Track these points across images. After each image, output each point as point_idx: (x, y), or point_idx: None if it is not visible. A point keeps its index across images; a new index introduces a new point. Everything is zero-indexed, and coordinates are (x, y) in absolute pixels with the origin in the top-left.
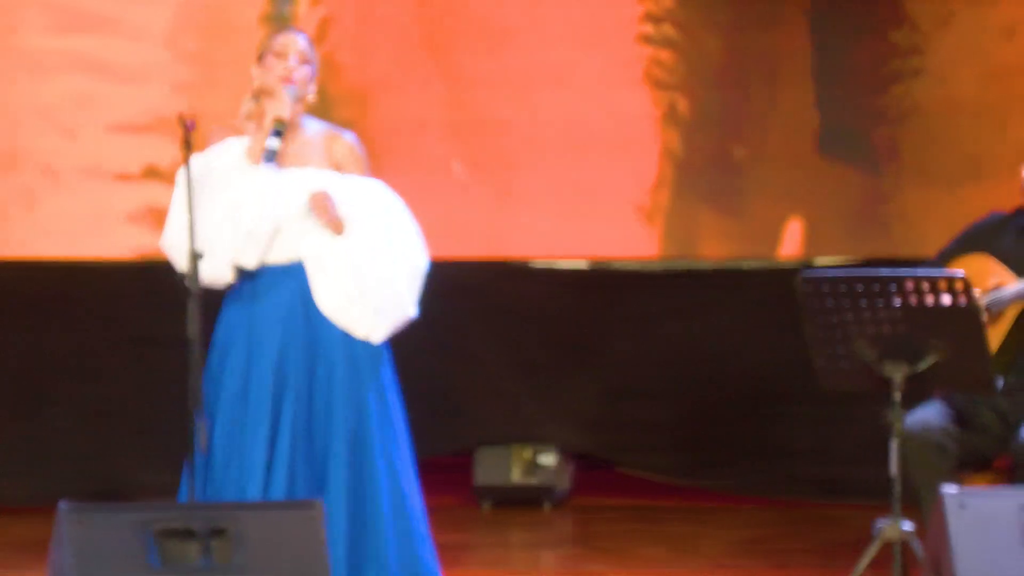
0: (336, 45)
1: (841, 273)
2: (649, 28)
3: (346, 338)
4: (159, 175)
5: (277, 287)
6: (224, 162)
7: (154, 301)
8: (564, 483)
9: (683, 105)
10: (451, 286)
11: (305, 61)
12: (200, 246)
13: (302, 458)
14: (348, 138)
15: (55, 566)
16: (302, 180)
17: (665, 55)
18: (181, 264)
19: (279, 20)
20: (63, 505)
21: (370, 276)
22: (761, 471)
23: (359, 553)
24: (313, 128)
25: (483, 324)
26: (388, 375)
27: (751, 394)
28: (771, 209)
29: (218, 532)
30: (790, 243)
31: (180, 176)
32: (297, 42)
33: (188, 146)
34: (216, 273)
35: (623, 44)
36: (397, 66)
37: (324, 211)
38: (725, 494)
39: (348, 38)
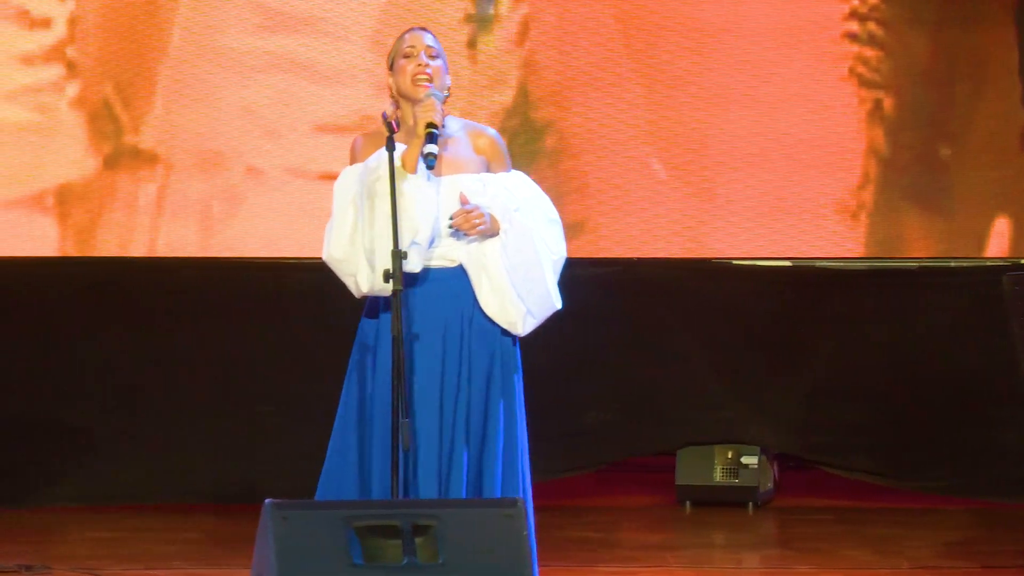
0: (537, 44)
1: None
2: (854, 26)
3: (495, 343)
4: None
5: (437, 290)
6: (380, 173)
7: (359, 300)
8: (767, 484)
9: (888, 103)
10: (653, 285)
11: (434, 56)
12: (369, 259)
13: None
14: (491, 133)
15: (259, 562)
16: (459, 188)
17: (870, 53)
18: (347, 277)
19: (481, 19)
20: (268, 502)
21: (523, 277)
22: (967, 473)
23: None
24: (454, 125)
25: (685, 324)
26: (520, 386)
27: (957, 395)
28: (977, 208)
29: (422, 529)
30: (997, 242)
31: (338, 187)
32: (423, 38)
33: (392, 146)
34: (381, 283)
35: (827, 42)
36: (597, 65)
37: (471, 226)
38: (931, 496)
39: (549, 37)
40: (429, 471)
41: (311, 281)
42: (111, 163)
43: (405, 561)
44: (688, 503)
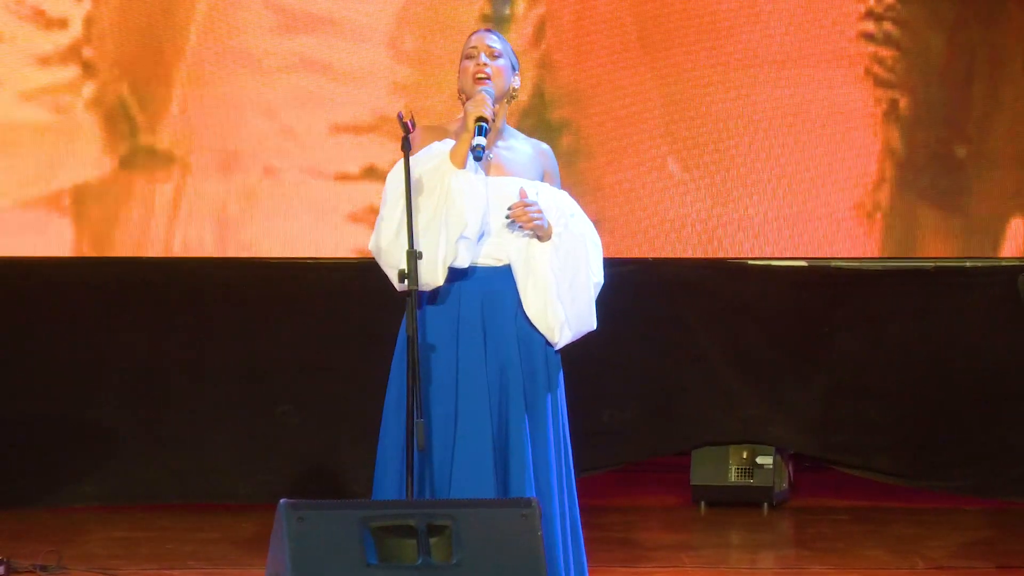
0: (553, 44)
1: None
2: (870, 25)
3: (539, 345)
4: (379, 175)
5: (484, 288)
6: (430, 165)
7: (376, 299)
8: (782, 484)
9: (904, 102)
10: (668, 285)
11: (496, 56)
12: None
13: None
14: (548, 148)
15: (274, 562)
16: (512, 189)
17: (886, 52)
18: (391, 269)
19: (498, 20)
20: (283, 502)
21: (568, 284)
22: (985, 472)
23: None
24: (521, 139)
25: (702, 323)
26: (563, 389)
27: (974, 394)
28: (993, 207)
29: (437, 529)
30: (1013, 242)
31: (390, 180)
32: (484, 39)
33: (408, 146)
34: (428, 276)
35: (844, 41)
36: (614, 64)
37: (528, 220)
38: (948, 496)
39: (565, 37)
40: (485, 469)
41: (328, 281)
42: (127, 163)
43: (420, 561)
44: (703, 503)
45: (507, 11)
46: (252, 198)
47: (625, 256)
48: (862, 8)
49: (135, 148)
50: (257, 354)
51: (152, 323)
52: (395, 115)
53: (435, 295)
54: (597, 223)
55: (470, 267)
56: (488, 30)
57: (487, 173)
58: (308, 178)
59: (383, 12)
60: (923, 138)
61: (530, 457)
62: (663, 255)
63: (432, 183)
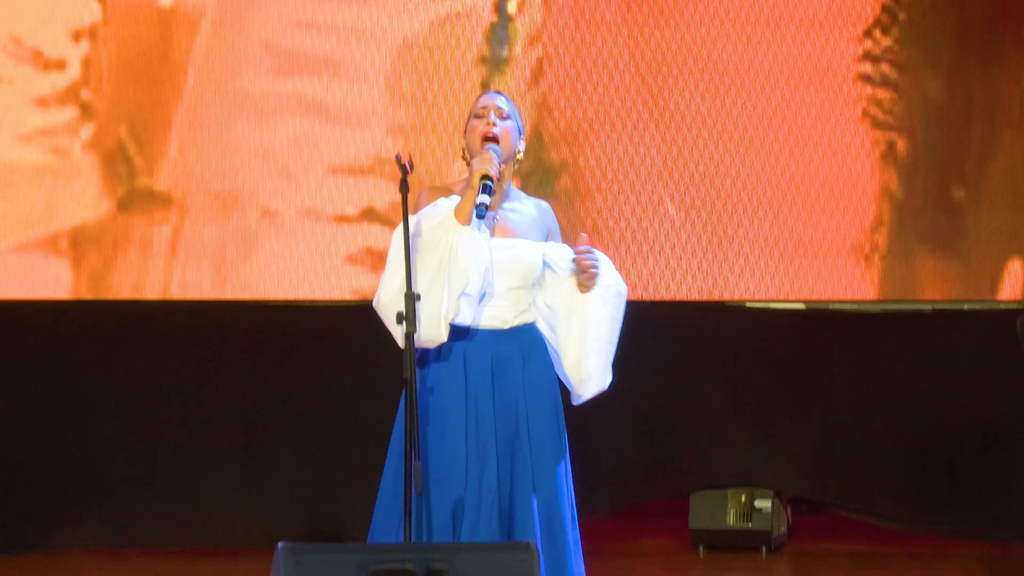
0: (551, 86)
1: None
2: (868, 67)
3: (547, 397)
4: (377, 217)
5: (492, 350)
6: (434, 223)
7: (374, 342)
8: (780, 528)
9: (902, 145)
10: (666, 327)
11: (504, 117)
12: (418, 308)
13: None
14: (551, 211)
15: None
16: (520, 251)
17: (884, 95)
18: (394, 324)
19: (496, 61)
20: (281, 546)
21: (607, 340)
22: (984, 515)
23: None
24: (525, 200)
25: (699, 366)
26: (566, 438)
27: (973, 436)
28: (991, 251)
29: (434, 573)
30: (1011, 285)
31: (395, 237)
32: (494, 100)
33: (406, 187)
34: (431, 331)
35: (841, 84)
36: (611, 107)
37: (590, 267)
38: (947, 539)
39: (563, 79)
40: (491, 519)
41: (326, 323)
42: (125, 205)
43: None
44: (702, 547)
45: (505, 53)
46: (250, 240)
47: None
48: (860, 50)
49: (133, 190)
50: (254, 396)
51: (150, 365)
52: (393, 157)
53: (442, 355)
54: None
55: (476, 330)
56: (498, 92)
57: (493, 235)
58: (306, 220)
59: (381, 54)
60: (921, 180)
61: (536, 507)
62: (661, 297)
63: (436, 239)
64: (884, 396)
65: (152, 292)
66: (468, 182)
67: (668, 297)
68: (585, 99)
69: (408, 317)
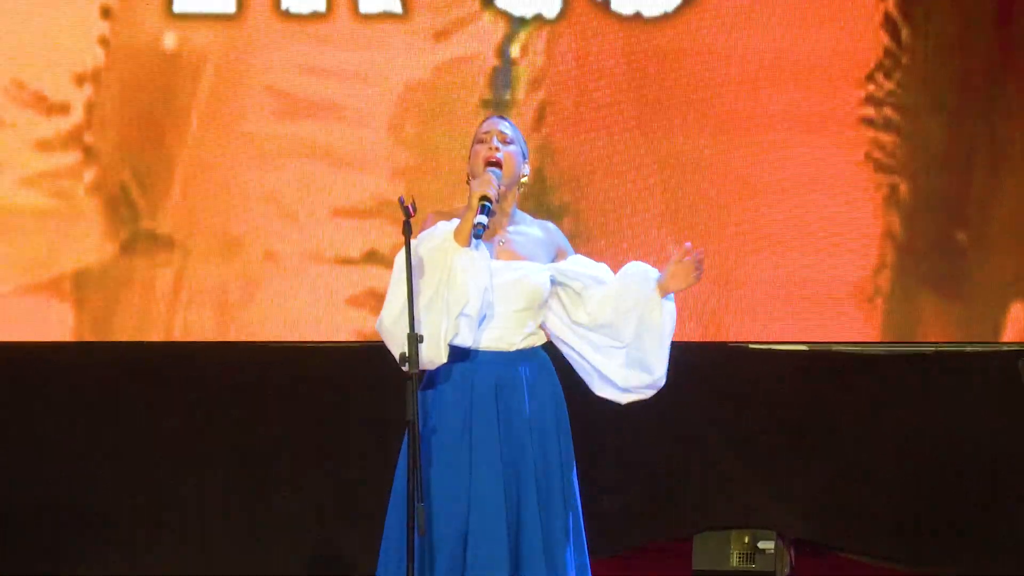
0: (554, 128)
1: None
2: (871, 111)
3: (552, 425)
4: (380, 259)
5: (496, 372)
6: (432, 244)
7: (377, 383)
8: (783, 569)
9: (904, 188)
10: (670, 368)
11: (507, 142)
12: (418, 329)
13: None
14: (557, 229)
15: None
16: (524, 273)
17: (887, 138)
18: (395, 348)
19: (498, 104)
20: None
21: (669, 338)
22: (986, 557)
23: None
24: (530, 222)
25: (702, 407)
26: (575, 470)
27: (975, 479)
28: (993, 293)
29: None
30: (1013, 328)
31: (398, 260)
32: (497, 125)
33: (408, 230)
34: (430, 353)
35: (844, 127)
36: (613, 150)
37: (694, 271)
38: None
39: (565, 122)
40: (500, 551)
41: (329, 365)
42: (128, 248)
43: None
44: None
45: (507, 96)
46: (253, 282)
47: None
48: (863, 94)
49: (136, 233)
50: (258, 438)
51: (153, 408)
52: (396, 199)
53: (446, 378)
54: None
55: (480, 352)
56: (501, 116)
57: (498, 258)
58: (309, 262)
59: (384, 98)
60: (923, 224)
61: (541, 539)
62: None
63: (435, 261)
64: (886, 437)
65: (155, 334)
66: (469, 204)
67: (673, 338)
68: (587, 142)
69: (411, 359)
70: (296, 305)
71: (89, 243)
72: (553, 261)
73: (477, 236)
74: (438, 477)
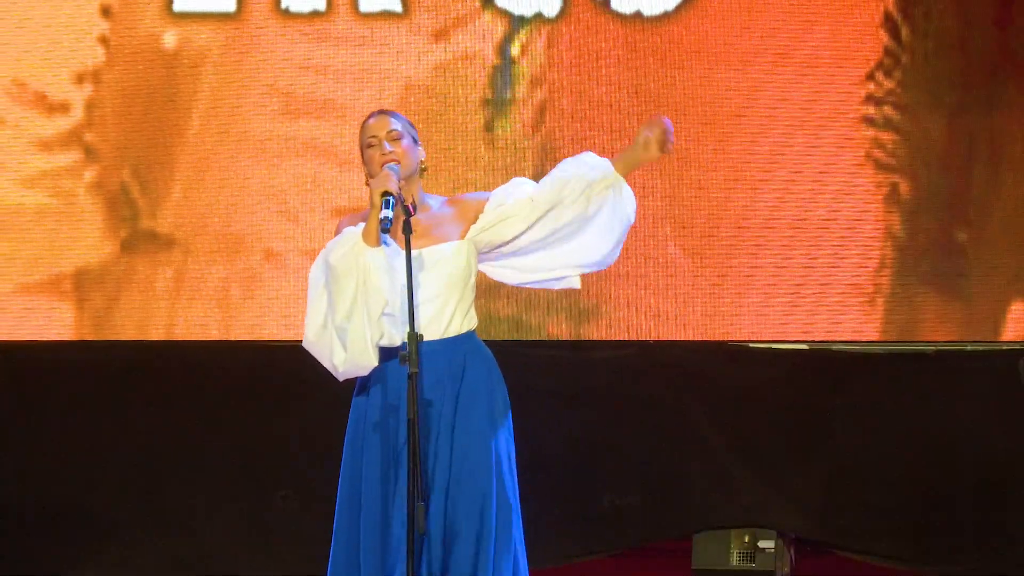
0: (554, 127)
1: None
2: (871, 110)
3: (492, 410)
4: None
5: (428, 361)
6: (342, 251)
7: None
8: (783, 568)
9: (905, 187)
10: (669, 368)
11: (396, 137)
12: (343, 340)
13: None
14: (459, 195)
15: None
16: (443, 255)
17: (887, 137)
18: (324, 359)
19: (499, 103)
20: None
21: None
22: (986, 556)
23: None
24: (439, 203)
25: (702, 407)
26: (513, 454)
27: (975, 478)
28: (994, 292)
29: None
30: (1014, 326)
31: (312, 273)
32: (382, 124)
33: (409, 229)
34: (361, 358)
35: (844, 126)
36: (615, 147)
37: (668, 143)
38: None
39: (566, 121)
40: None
41: None
42: (129, 247)
43: None
44: None
45: (508, 95)
46: (254, 281)
47: (625, 339)
48: (863, 93)
49: (136, 232)
50: (258, 437)
51: (153, 406)
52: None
53: (379, 377)
54: (597, 306)
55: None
56: (382, 111)
57: (414, 247)
58: (310, 261)
59: (385, 97)
60: (924, 222)
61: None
62: (663, 337)
63: (348, 266)
64: (886, 436)
65: (155, 333)
66: (371, 203)
67: (671, 337)
68: (588, 141)
69: (411, 358)
70: (297, 304)
71: (90, 242)
72: (471, 226)
73: (385, 231)
74: (368, 480)
